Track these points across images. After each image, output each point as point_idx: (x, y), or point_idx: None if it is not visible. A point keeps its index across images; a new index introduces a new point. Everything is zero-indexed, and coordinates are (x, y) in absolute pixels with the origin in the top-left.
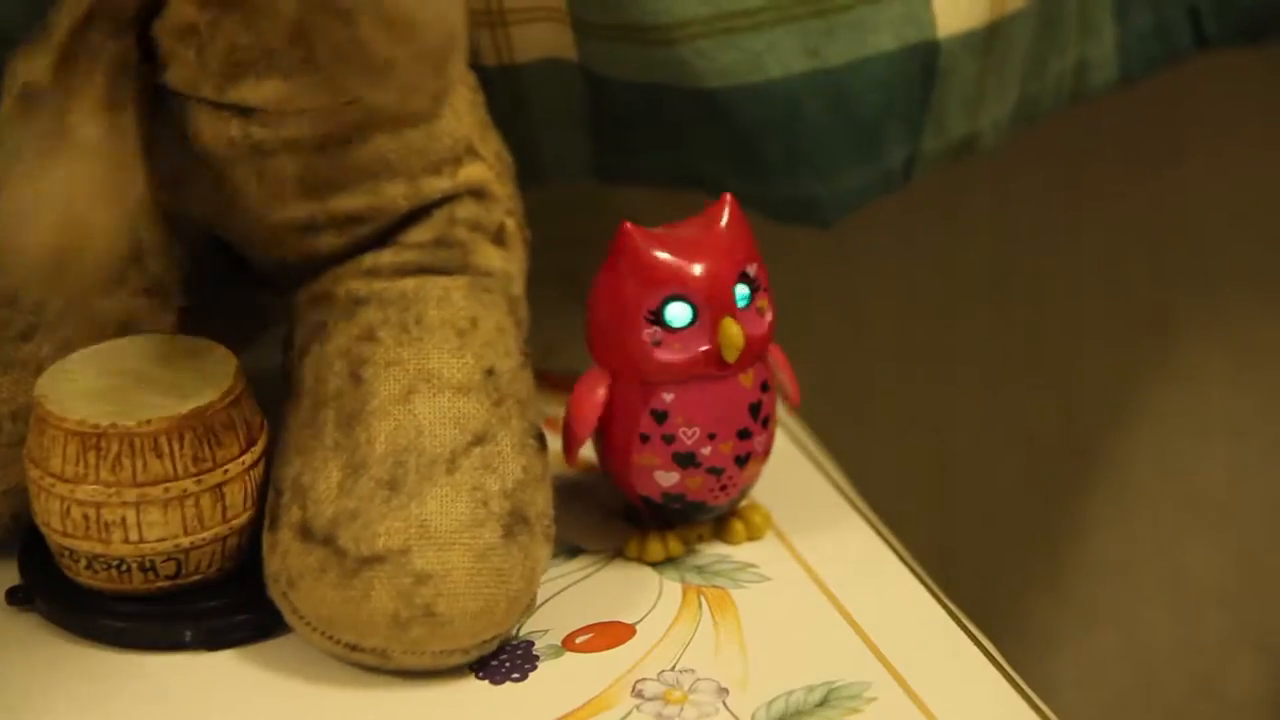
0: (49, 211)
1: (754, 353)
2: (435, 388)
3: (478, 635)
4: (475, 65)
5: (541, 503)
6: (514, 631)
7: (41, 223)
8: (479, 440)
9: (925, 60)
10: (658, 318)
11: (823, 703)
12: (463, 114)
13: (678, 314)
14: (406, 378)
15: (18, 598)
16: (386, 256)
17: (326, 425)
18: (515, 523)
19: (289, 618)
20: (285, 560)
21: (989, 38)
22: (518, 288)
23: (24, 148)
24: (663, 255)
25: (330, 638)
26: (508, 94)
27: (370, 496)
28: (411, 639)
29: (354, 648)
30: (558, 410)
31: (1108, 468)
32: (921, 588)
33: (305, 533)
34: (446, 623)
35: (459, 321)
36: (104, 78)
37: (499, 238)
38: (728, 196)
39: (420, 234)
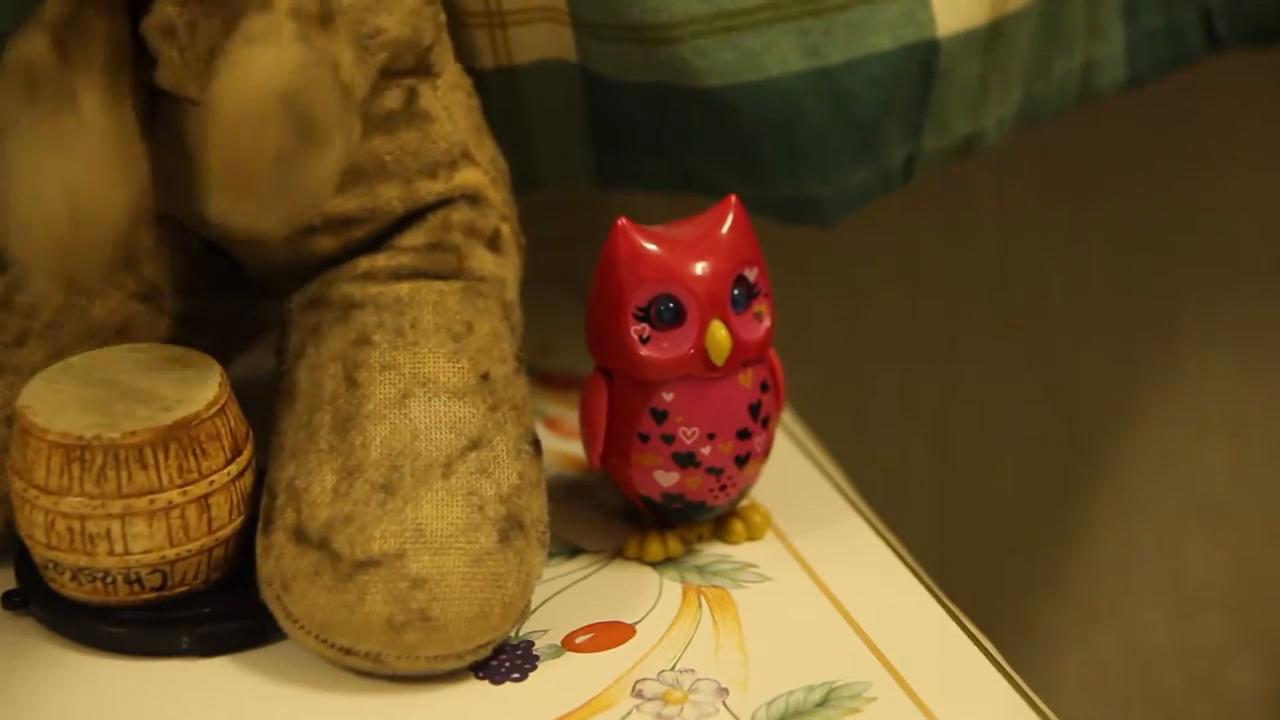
0: (61, 188)
1: (745, 357)
2: (431, 392)
3: (472, 640)
4: (472, 68)
5: (537, 509)
6: (514, 633)
7: (54, 199)
8: (475, 445)
9: (924, 59)
10: (647, 314)
11: (823, 703)
12: (458, 118)
13: (666, 312)
14: (402, 382)
15: (13, 602)
16: (381, 260)
17: (321, 428)
18: (511, 528)
19: (282, 622)
20: (279, 563)
21: (990, 37)
22: (512, 293)
23: (31, 127)
24: (655, 252)
25: (324, 641)
26: (506, 97)
27: (365, 500)
28: (406, 643)
29: (348, 652)
30: (557, 410)
31: (1108, 468)
32: (921, 588)
33: (300, 536)
34: (441, 627)
35: (454, 326)
36: (101, 57)
37: (494, 243)
38: (732, 198)
39: (414, 238)
